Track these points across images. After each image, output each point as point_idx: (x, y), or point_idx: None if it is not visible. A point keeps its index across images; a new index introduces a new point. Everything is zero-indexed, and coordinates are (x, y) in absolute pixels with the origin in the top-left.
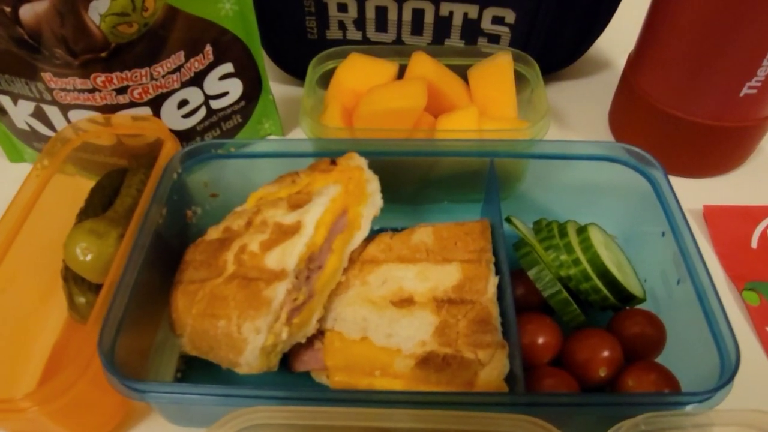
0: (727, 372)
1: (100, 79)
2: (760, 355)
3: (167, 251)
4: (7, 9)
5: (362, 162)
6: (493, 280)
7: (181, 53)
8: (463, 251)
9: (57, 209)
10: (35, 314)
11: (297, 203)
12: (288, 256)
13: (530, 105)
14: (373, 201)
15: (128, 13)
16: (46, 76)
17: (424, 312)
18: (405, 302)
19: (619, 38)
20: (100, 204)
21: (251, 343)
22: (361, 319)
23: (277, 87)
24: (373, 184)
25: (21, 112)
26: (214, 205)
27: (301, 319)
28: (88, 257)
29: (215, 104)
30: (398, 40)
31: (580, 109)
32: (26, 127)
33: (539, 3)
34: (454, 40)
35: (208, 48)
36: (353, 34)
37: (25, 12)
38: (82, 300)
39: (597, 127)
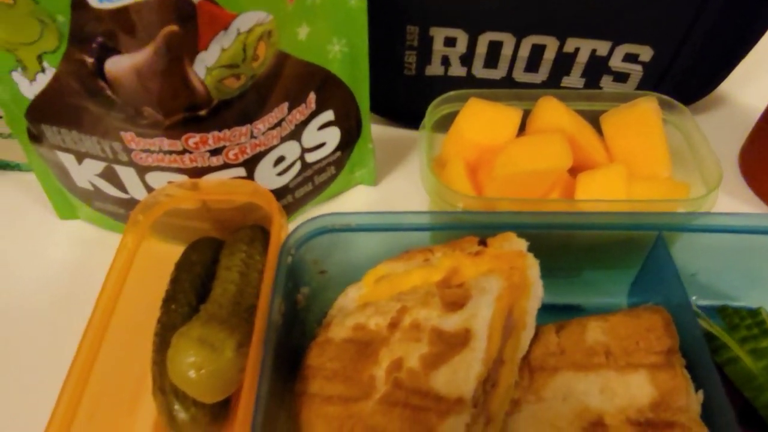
0: None
1: (194, 140)
2: None
3: (283, 349)
4: (89, 60)
5: (523, 245)
6: (695, 394)
7: (285, 105)
8: (647, 353)
9: (141, 288)
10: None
11: (453, 301)
12: (462, 379)
13: (681, 157)
14: (536, 291)
15: (238, 64)
16: (127, 136)
17: None
18: (595, 427)
19: (748, 71)
20: (192, 288)
21: None
22: None
23: None
24: (534, 270)
25: (86, 172)
26: (321, 283)
27: None
28: (201, 375)
29: (310, 157)
30: (508, 78)
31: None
32: (89, 187)
33: (685, 39)
34: (574, 79)
35: (312, 96)
36: (456, 70)
37: (113, 64)
38: (184, 417)
39: (726, 171)
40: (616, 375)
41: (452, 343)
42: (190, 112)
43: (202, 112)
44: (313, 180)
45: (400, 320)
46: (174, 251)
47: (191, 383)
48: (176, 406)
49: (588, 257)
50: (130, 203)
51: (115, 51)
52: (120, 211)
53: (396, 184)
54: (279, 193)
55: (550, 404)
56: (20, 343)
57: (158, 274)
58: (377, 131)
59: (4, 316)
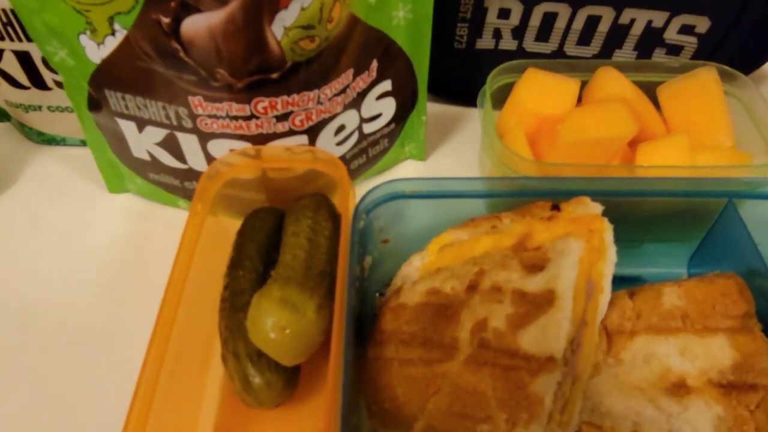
0: None
1: (263, 104)
2: None
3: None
4: (166, 20)
5: (598, 209)
6: None
7: (350, 71)
8: (723, 317)
9: (206, 263)
10: (197, 396)
11: (533, 263)
12: (552, 338)
13: (742, 130)
14: (611, 256)
15: (314, 25)
16: (195, 100)
17: (705, 401)
18: (678, 388)
19: None
20: (258, 255)
21: None
22: (631, 412)
23: None
24: (609, 235)
25: (145, 140)
26: (383, 252)
27: (569, 415)
28: (285, 335)
29: (367, 128)
30: (559, 51)
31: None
32: (146, 157)
33: (743, 9)
34: (626, 52)
35: (374, 64)
36: (507, 43)
37: (190, 24)
38: (259, 381)
39: None
40: (694, 338)
41: (537, 303)
42: (262, 75)
43: (274, 75)
44: (368, 152)
45: (479, 283)
46: (230, 224)
47: (273, 344)
48: (251, 371)
49: (649, 228)
50: (187, 174)
51: (195, 9)
52: (174, 182)
53: (444, 160)
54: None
55: (631, 366)
56: (80, 311)
57: (218, 245)
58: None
59: (62, 285)
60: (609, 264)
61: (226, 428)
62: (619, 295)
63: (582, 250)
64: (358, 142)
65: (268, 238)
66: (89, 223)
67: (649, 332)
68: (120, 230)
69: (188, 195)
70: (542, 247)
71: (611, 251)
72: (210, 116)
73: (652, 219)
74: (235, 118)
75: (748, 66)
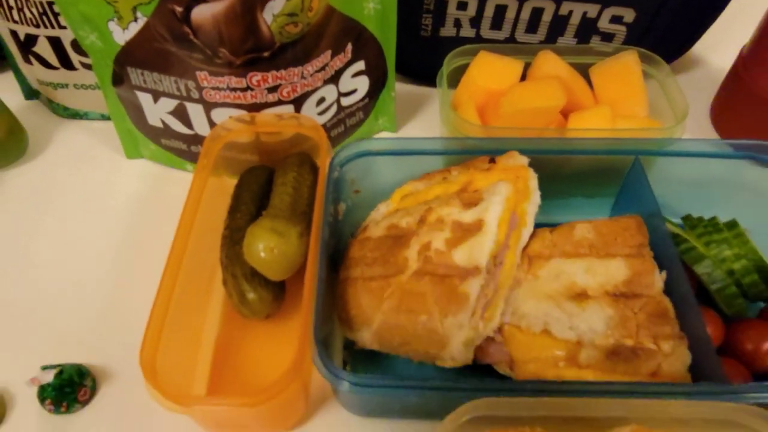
0: None
1: (256, 78)
2: None
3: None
4: (179, 9)
5: (525, 160)
6: (659, 274)
7: (329, 52)
8: (623, 246)
9: (209, 211)
10: (202, 312)
11: (470, 201)
12: (477, 252)
13: (657, 104)
14: (535, 198)
15: (296, 13)
16: (201, 75)
17: (599, 305)
18: (580, 296)
19: (719, 35)
20: (252, 201)
21: (455, 338)
22: (542, 313)
23: None
24: (534, 181)
25: (159, 110)
26: (356, 201)
27: (490, 314)
28: (273, 254)
29: (345, 101)
30: (511, 38)
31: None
32: (159, 125)
33: (663, 1)
34: (567, 38)
35: (349, 46)
36: (467, 31)
37: (198, 12)
38: (253, 297)
39: (699, 122)
40: (598, 261)
41: (470, 230)
42: (255, 53)
43: (266, 54)
44: (345, 122)
45: (427, 217)
46: (229, 182)
47: (263, 262)
48: (246, 287)
49: (576, 183)
50: (194, 139)
51: (203, 0)
52: (183, 147)
53: (412, 131)
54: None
55: (545, 281)
56: (104, 256)
57: (219, 198)
58: (397, 87)
59: (88, 236)
60: (532, 204)
61: (226, 336)
62: (541, 230)
63: (509, 191)
64: (337, 113)
65: (261, 189)
66: (109, 184)
67: (562, 256)
68: (136, 190)
69: (194, 159)
70: (479, 190)
71: (535, 195)
72: (213, 88)
73: (579, 175)
74: (234, 89)
75: (674, 51)
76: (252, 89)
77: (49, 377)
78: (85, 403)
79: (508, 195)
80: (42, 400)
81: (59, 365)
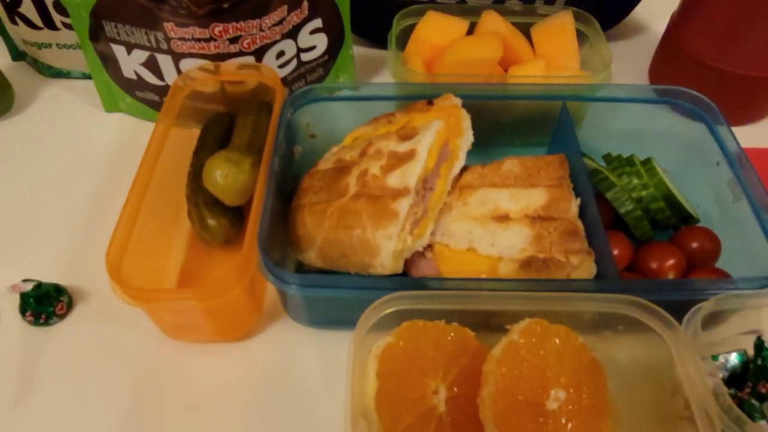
0: None
1: (218, 28)
2: None
3: (284, 183)
4: None
5: (458, 101)
6: (575, 201)
7: (285, 7)
8: (546, 178)
9: (177, 154)
10: (167, 240)
11: (406, 135)
12: (408, 176)
13: (590, 58)
14: (467, 135)
15: None
16: (168, 26)
17: (519, 226)
18: (503, 218)
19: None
20: (216, 142)
21: (385, 248)
22: (467, 232)
23: None
24: (467, 121)
25: (133, 62)
26: (312, 145)
27: (420, 231)
28: (227, 180)
29: (304, 57)
30: (462, 1)
31: (622, 69)
32: (133, 76)
33: None
34: (513, 1)
35: (305, 3)
36: None
37: None
38: (213, 223)
39: (638, 83)
40: (521, 189)
41: (403, 158)
42: (216, 5)
43: (226, 5)
44: (306, 78)
45: (367, 150)
46: (197, 133)
47: (220, 187)
48: (207, 214)
49: (514, 131)
50: (165, 90)
51: None
52: (155, 98)
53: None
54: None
55: (473, 206)
56: (81, 194)
57: (186, 145)
58: (358, 50)
59: (68, 180)
60: (465, 141)
61: (191, 261)
62: (474, 165)
63: (441, 127)
64: (298, 67)
65: (224, 132)
66: (89, 135)
67: (490, 186)
68: (113, 140)
69: None
70: (415, 127)
71: (468, 133)
72: (180, 39)
73: (517, 123)
74: (199, 40)
75: (614, 16)
76: (215, 40)
77: (28, 287)
78: (63, 316)
79: (439, 129)
80: (23, 312)
81: (38, 281)
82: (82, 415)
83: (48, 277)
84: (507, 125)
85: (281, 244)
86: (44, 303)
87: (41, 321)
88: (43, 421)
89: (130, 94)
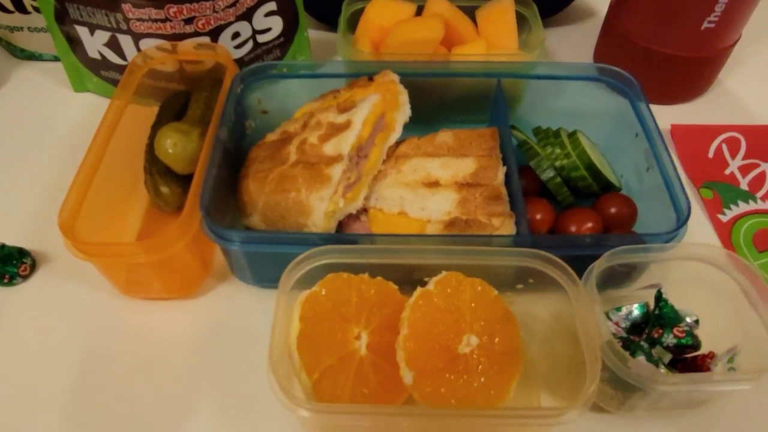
0: (681, 220)
1: (173, 9)
2: (712, 235)
3: (234, 154)
4: None
5: (395, 77)
6: (502, 169)
7: None
8: (477, 149)
9: (135, 129)
10: (124, 208)
11: (345, 108)
12: (342, 144)
13: (529, 40)
14: (404, 109)
15: None
16: (126, 6)
17: (448, 191)
18: (433, 184)
19: None
20: (172, 117)
21: (317, 208)
22: (398, 197)
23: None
24: (404, 96)
25: (96, 42)
26: (265, 121)
27: (353, 195)
28: (176, 149)
29: (260, 38)
30: None
31: (570, 52)
32: (98, 56)
33: None
34: None
35: None
36: None
37: None
38: (166, 190)
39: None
40: (453, 159)
41: (340, 128)
42: None
43: None
44: (263, 58)
45: (309, 122)
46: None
47: (169, 156)
48: (160, 182)
49: (456, 109)
50: None
51: None
52: (119, 77)
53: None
54: (236, 64)
55: (406, 173)
56: (48, 165)
57: (145, 122)
58: (315, 33)
59: (41, 153)
60: (402, 114)
61: (148, 227)
62: (412, 137)
63: (378, 100)
64: (254, 48)
65: (180, 108)
66: (59, 114)
67: (424, 156)
68: (81, 118)
69: None
70: (354, 101)
71: (405, 107)
72: (138, 19)
73: (458, 101)
74: (155, 20)
75: (560, 2)
76: (170, 20)
77: None
78: (26, 277)
79: (376, 103)
80: None
81: (2, 243)
82: (38, 370)
83: (14, 242)
84: (450, 102)
85: (232, 212)
86: (8, 264)
87: (5, 281)
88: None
89: (96, 74)
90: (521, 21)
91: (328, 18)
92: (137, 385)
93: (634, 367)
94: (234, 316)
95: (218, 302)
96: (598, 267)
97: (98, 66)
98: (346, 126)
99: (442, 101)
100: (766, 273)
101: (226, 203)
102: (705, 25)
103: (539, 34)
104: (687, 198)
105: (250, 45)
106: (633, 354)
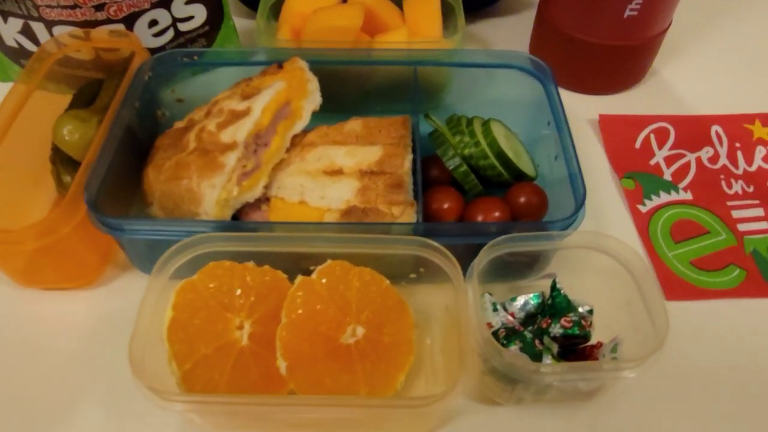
0: (578, 204)
1: None
2: (630, 226)
3: (142, 143)
4: None
5: (304, 65)
6: (409, 157)
7: None
8: (386, 137)
9: (40, 119)
10: (29, 197)
11: (248, 95)
12: (239, 131)
13: (450, 27)
14: (313, 97)
15: None
16: None
17: (350, 179)
18: (335, 173)
19: None
20: (83, 105)
21: (208, 196)
22: (299, 185)
23: (235, 19)
24: (313, 84)
25: (10, 30)
26: (181, 109)
27: (249, 183)
28: (73, 136)
29: (182, 27)
30: None
31: (507, 44)
32: (15, 45)
33: None
34: None
35: None
36: None
37: None
38: (68, 179)
39: None
40: (359, 147)
41: (239, 115)
42: None
43: None
44: (188, 47)
45: (212, 109)
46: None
47: (66, 143)
48: (62, 171)
49: (378, 98)
50: None
51: None
52: None
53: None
54: (158, 52)
55: (309, 162)
56: None
57: (57, 110)
58: (244, 22)
59: None
60: (310, 102)
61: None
62: (321, 126)
63: (282, 87)
64: (176, 37)
65: (93, 96)
66: None
67: (330, 144)
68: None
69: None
70: (259, 88)
71: (314, 94)
72: (47, 6)
73: (382, 89)
74: (65, 7)
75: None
76: (80, 7)
77: None
78: None
79: (279, 90)
80: None
81: None
82: None
83: None
84: (372, 91)
85: (139, 202)
86: None
87: None
88: None
89: (16, 62)
90: (449, 10)
91: (256, 5)
92: (20, 375)
93: (507, 357)
94: (130, 306)
95: (116, 292)
96: (480, 258)
97: (17, 54)
98: (245, 114)
99: (364, 90)
100: (680, 263)
101: (132, 193)
102: (627, 13)
103: (459, 22)
104: (584, 186)
105: (171, 33)
106: (510, 344)
